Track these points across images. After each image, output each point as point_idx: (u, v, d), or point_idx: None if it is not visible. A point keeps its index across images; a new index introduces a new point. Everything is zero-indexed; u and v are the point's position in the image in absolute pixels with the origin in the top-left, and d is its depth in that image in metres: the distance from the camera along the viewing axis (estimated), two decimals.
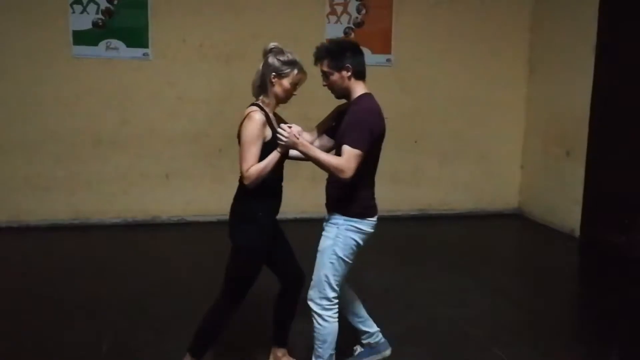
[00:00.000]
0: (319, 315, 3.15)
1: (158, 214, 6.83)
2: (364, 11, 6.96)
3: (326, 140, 3.31)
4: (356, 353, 3.58)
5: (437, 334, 4.08)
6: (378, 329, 3.53)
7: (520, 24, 7.37)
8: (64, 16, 6.33)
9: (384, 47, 6.97)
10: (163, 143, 6.73)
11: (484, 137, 7.51)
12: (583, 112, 6.36)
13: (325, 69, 3.13)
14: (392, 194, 6.81)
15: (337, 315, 3.19)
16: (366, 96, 3.15)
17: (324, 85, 3.21)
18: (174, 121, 6.72)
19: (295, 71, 3.10)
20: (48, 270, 5.34)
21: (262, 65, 3.12)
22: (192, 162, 6.82)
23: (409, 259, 5.67)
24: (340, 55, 3.11)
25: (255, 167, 3.00)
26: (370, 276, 4.97)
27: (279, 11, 6.77)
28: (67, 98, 6.45)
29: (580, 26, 6.43)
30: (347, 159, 2.93)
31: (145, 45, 6.54)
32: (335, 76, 3.12)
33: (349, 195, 3.11)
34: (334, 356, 3.23)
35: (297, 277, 3.38)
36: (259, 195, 3.10)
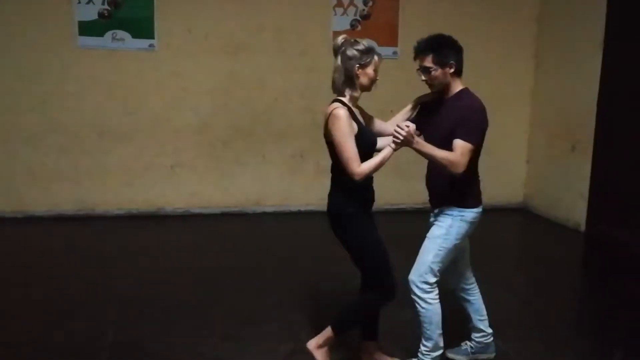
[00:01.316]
0: (421, 299, 3.21)
1: (162, 206, 6.83)
2: (370, 3, 6.93)
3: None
4: (465, 347, 3.64)
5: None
6: (492, 331, 3.62)
7: (528, 18, 7.33)
8: (70, 6, 6.32)
9: (391, 39, 6.94)
10: (168, 134, 6.72)
11: (490, 131, 7.31)
12: (589, 107, 6.33)
13: (429, 64, 3.16)
14: (396, 187, 6.79)
15: (437, 297, 3.24)
16: (467, 91, 3.25)
17: (423, 80, 3.23)
18: (179, 112, 6.72)
19: (376, 57, 3.09)
20: (52, 261, 5.35)
21: (341, 61, 3.07)
22: (197, 153, 6.82)
23: (413, 252, 5.64)
24: (446, 51, 3.17)
25: (368, 164, 2.99)
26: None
27: (285, 3, 6.75)
28: (72, 89, 6.45)
29: (588, 21, 6.39)
30: (462, 153, 3.03)
31: (151, 36, 6.52)
32: (439, 72, 3.17)
33: (462, 188, 3.20)
34: (442, 336, 3.29)
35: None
36: (355, 192, 3.11)
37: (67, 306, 4.30)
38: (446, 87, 3.23)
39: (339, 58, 3.07)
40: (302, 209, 6.69)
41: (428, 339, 3.27)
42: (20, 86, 6.35)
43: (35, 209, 6.51)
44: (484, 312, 3.60)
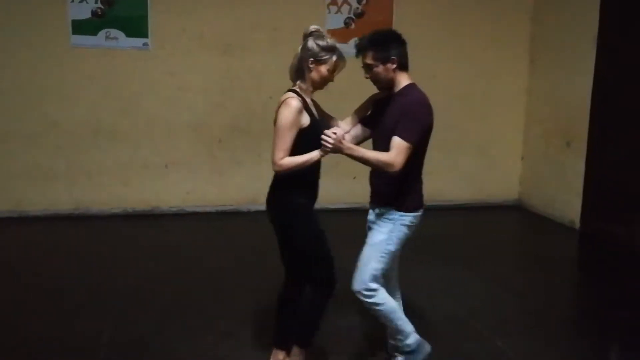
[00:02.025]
0: (372, 303, 3.14)
1: (158, 204, 6.82)
2: (364, 1, 6.92)
3: (361, 130, 3.26)
4: None
5: (437, 325, 4.08)
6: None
7: (522, 15, 7.34)
8: (63, 5, 6.29)
9: None
10: (163, 133, 6.71)
11: (485, 128, 7.49)
12: (584, 104, 6.35)
13: (370, 61, 3.05)
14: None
15: (385, 293, 3.18)
16: (413, 86, 3.12)
17: (367, 78, 3.14)
18: (174, 111, 6.70)
19: (334, 57, 3.00)
20: (48, 260, 5.34)
21: (301, 49, 3.02)
22: (191, 152, 6.81)
23: (409, 250, 5.64)
24: (386, 47, 3.04)
25: (289, 159, 2.93)
26: None
27: (280, 1, 6.74)
28: (66, 88, 6.43)
29: (582, 18, 6.41)
30: (398, 152, 2.92)
31: (145, 35, 6.50)
32: (380, 68, 3.06)
33: (403, 190, 3.13)
34: (407, 321, 3.27)
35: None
36: (296, 186, 3.06)
37: (64, 305, 4.30)
38: (392, 83, 3.11)
39: (301, 46, 3.03)
40: None
41: (398, 331, 3.24)
42: (14, 85, 6.32)
43: (30, 208, 6.49)
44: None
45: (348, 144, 2.95)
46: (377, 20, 6.91)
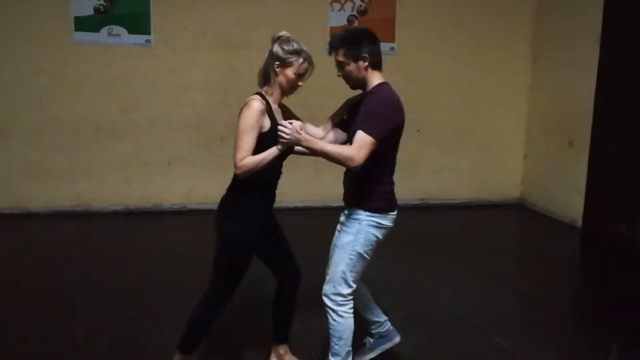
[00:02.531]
0: (334, 311, 3.03)
1: (159, 202, 6.83)
2: None
3: (339, 134, 3.20)
4: (367, 345, 3.52)
5: (437, 323, 4.08)
6: (386, 317, 3.50)
7: (525, 14, 7.33)
8: (65, 2, 6.29)
9: (387, 35, 6.92)
10: (165, 130, 6.71)
11: (487, 126, 7.49)
12: (586, 102, 6.33)
13: (341, 58, 3.00)
14: None
15: (352, 310, 3.08)
16: (384, 85, 3.02)
17: (339, 76, 3.08)
18: (176, 109, 6.70)
19: (300, 60, 2.96)
20: (49, 257, 5.34)
21: (268, 54, 3.01)
22: (193, 149, 6.81)
23: (410, 248, 5.66)
24: (357, 44, 2.98)
25: (250, 158, 2.85)
26: (370, 265, 4.96)
27: None
28: (68, 85, 6.44)
29: (585, 16, 6.39)
30: (359, 146, 2.80)
31: (147, 32, 6.50)
32: (352, 66, 3.00)
33: (370, 189, 3.04)
34: (351, 353, 3.12)
35: (294, 276, 3.29)
36: (252, 189, 2.99)
37: (64, 302, 4.30)
38: (364, 82, 3.03)
39: (269, 51, 3.01)
40: (299, 205, 6.68)
41: (335, 354, 3.08)
42: (16, 82, 6.33)
43: (32, 205, 6.50)
44: (372, 303, 3.45)
45: (307, 135, 2.86)
46: (380, 17, 6.91)
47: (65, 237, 5.96)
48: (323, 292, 3.07)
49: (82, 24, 6.35)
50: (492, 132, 7.54)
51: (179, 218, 6.68)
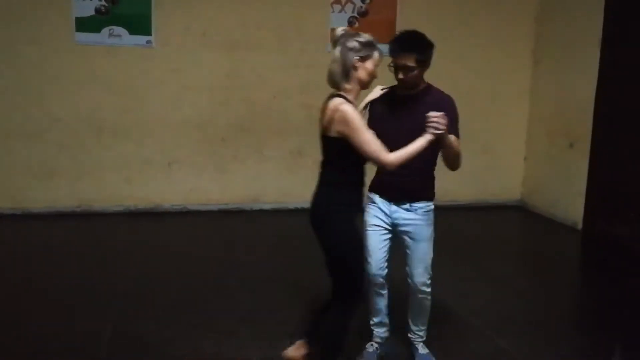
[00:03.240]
0: (429, 294, 3.44)
1: (160, 202, 6.83)
2: (368, 0, 6.92)
3: None
4: (371, 350, 3.52)
5: (439, 324, 4.07)
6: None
7: (526, 15, 7.33)
8: (67, 2, 6.30)
9: (388, 36, 6.81)
10: (166, 131, 6.71)
11: (488, 128, 7.48)
12: (587, 104, 6.33)
13: (412, 64, 3.03)
14: None
15: None
16: (433, 86, 3.29)
17: (400, 78, 3.09)
18: (177, 109, 6.71)
19: (376, 53, 2.91)
20: (50, 257, 5.34)
21: (340, 52, 2.87)
22: (195, 150, 6.81)
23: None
24: (429, 52, 3.09)
25: (400, 153, 2.83)
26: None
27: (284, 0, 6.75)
28: (69, 85, 6.44)
29: (587, 18, 6.39)
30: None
31: (149, 33, 6.51)
32: (417, 72, 3.07)
33: (432, 181, 3.42)
34: None
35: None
36: (351, 182, 3.00)
37: (66, 302, 4.30)
38: (417, 85, 3.19)
39: (338, 49, 2.87)
40: (301, 205, 6.67)
41: (425, 323, 3.52)
42: (18, 83, 6.33)
43: (33, 205, 6.50)
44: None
45: None
46: (381, 19, 6.91)
47: (66, 237, 5.96)
48: (421, 282, 3.40)
49: (84, 24, 6.36)
50: (493, 134, 7.54)
51: (179, 218, 6.67)
